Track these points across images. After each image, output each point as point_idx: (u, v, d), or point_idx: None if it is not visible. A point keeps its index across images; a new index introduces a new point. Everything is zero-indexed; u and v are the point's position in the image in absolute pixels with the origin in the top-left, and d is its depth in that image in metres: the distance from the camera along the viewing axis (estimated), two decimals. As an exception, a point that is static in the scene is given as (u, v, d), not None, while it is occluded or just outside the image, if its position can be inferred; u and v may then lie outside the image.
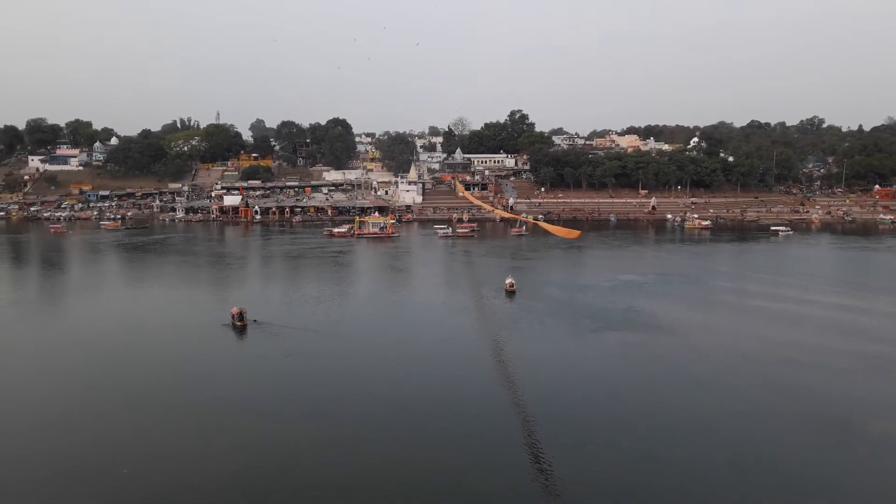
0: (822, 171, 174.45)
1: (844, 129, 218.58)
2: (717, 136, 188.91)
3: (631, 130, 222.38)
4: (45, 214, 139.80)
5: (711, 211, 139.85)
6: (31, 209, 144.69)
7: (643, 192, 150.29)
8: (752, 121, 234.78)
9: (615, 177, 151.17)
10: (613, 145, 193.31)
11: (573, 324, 49.74)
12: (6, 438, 29.15)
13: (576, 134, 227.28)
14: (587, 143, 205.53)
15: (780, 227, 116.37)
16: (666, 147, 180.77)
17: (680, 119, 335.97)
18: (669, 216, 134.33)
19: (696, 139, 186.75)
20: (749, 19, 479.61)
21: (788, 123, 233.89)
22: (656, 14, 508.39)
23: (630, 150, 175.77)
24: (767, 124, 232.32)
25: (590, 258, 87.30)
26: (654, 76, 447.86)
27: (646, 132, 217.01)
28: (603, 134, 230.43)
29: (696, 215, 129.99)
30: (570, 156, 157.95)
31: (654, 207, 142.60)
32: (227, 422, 31.15)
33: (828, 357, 41.84)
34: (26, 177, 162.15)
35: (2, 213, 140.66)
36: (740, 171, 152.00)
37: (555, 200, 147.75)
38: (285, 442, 28.92)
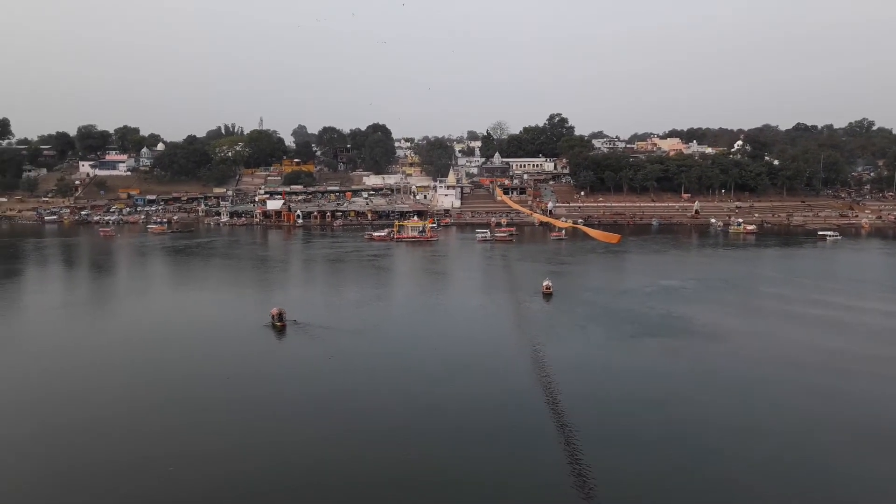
0: (871, 174, 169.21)
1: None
2: (761, 139, 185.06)
3: (673, 133, 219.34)
4: (95, 218, 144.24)
5: (756, 215, 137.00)
6: (82, 213, 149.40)
7: (686, 195, 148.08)
8: (798, 123, 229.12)
9: (657, 180, 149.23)
10: (655, 148, 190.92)
11: (612, 328, 49.25)
12: (58, 435, 30.01)
13: (616, 137, 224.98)
14: (628, 146, 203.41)
15: (828, 232, 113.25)
16: (709, 150, 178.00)
17: (723, 122, 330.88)
18: (713, 221, 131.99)
19: (740, 142, 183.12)
20: (798, 23, 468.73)
21: (836, 126, 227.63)
22: (700, 16, 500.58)
23: (672, 153, 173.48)
24: (814, 127, 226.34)
25: (630, 263, 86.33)
26: (696, 79, 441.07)
27: (688, 135, 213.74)
28: (644, 137, 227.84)
29: (740, 220, 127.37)
30: (610, 159, 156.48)
31: (697, 212, 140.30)
32: (269, 421, 31.62)
33: (877, 365, 40.54)
34: (77, 182, 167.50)
35: (55, 217, 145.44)
36: (786, 175, 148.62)
37: (595, 204, 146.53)
38: (327, 441, 29.23)
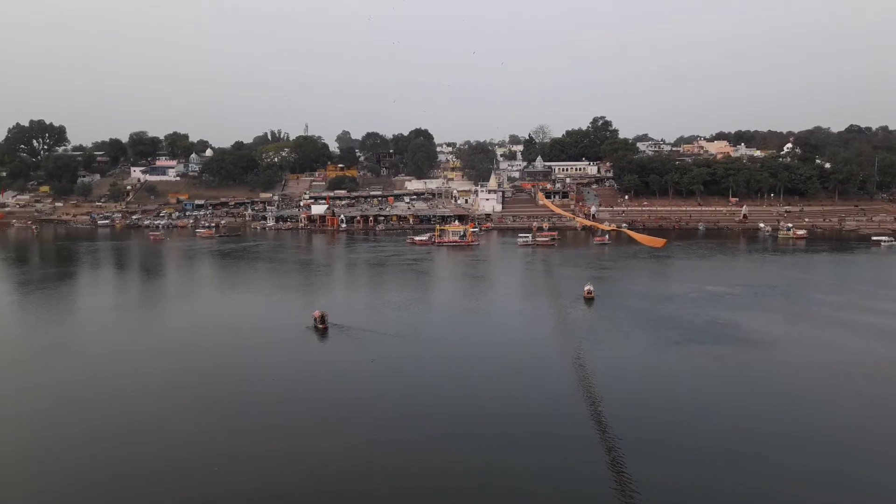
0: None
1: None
2: (812, 141, 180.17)
3: (720, 136, 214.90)
4: (146, 222, 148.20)
5: (806, 220, 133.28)
6: (133, 217, 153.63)
7: (733, 200, 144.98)
8: (851, 125, 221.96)
9: (703, 184, 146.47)
10: (702, 151, 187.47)
11: (655, 334, 48.52)
12: (111, 434, 30.90)
13: (661, 140, 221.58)
14: (674, 149, 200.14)
15: (883, 238, 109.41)
16: (757, 153, 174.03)
17: (772, 124, 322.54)
18: (761, 225, 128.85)
19: (789, 145, 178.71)
20: (849, 25, 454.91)
21: (892, 128, 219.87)
22: (751, 16, 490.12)
23: (719, 156, 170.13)
24: (868, 129, 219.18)
25: (675, 268, 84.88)
26: (744, 80, 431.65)
27: (736, 138, 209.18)
28: (690, 140, 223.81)
29: (790, 224, 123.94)
30: (655, 162, 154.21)
31: (745, 216, 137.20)
32: (313, 424, 32.06)
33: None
34: (129, 187, 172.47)
35: (107, 221, 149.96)
36: (838, 179, 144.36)
37: (639, 208, 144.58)
38: (371, 446, 29.42)
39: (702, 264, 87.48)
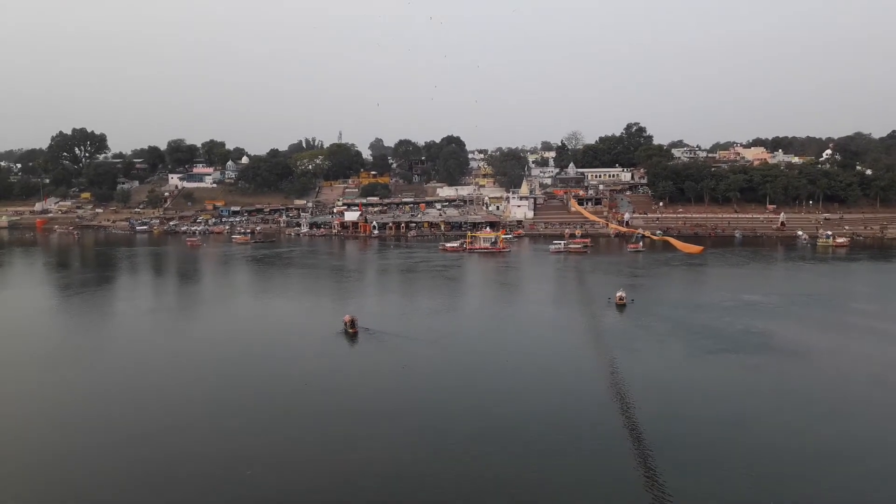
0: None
1: None
2: (853, 147, 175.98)
3: (757, 142, 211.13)
4: (183, 228, 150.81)
5: (847, 227, 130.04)
6: (171, 223, 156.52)
7: (771, 207, 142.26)
8: (894, 131, 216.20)
9: (740, 191, 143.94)
10: (738, 158, 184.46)
11: (690, 343, 47.75)
12: (142, 439, 31.31)
13: (697, 146, 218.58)
14: (709, 155, 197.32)
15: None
16: (796, 160, 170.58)
17: (811, 130, 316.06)
18: (799, 233, 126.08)
19: (829, 151, 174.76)
20: (891, 28, 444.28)
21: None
22: (788, 20, 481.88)
23: (756, 162, 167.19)
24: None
25: (710, 276, 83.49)
26: (781, 86, 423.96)
27: (773, 144, 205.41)
28: (726, 146, 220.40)
29: (829, 232, 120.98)
30: (690, 169, 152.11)
31: (782, 223, 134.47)
32: (346, 429, 32.07)
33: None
34: (166, 193, 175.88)
35: (146, 227, 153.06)
36: (880, 185, 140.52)
37: (674, 215, 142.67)
38: (403, 453, 29.38)
39: (738, 272, 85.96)
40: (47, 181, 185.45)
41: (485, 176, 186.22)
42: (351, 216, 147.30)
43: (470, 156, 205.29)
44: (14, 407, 35.73)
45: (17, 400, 36.91)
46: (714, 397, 36.53)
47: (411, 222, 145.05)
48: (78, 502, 25.67)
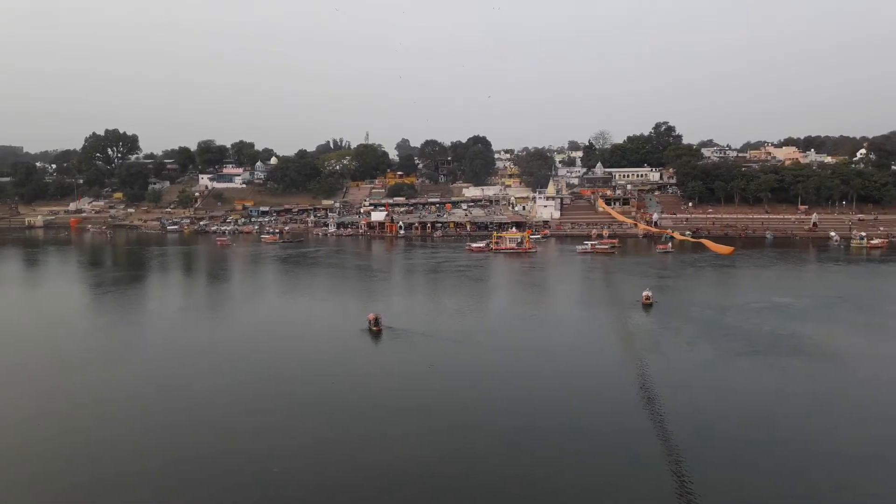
0: None
1: None
2: (888, 146, 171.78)
3: (789, 142, 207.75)
4: (213, 228, 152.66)
5: (881, 228, 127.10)
6: (201, 223, 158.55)
7: (802, 207, 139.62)
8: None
9: (771, 191, 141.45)
10: (769, 157, 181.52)
11: (718, 345, 47.05)
12: (168, 435, 31.80)
13: (727, 146, 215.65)
14: (740, 155, 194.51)
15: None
16: (828, 159, 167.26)
17: (844, 129, 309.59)
18: (832, 234, 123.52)
19: (863, 150, 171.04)
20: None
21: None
22: (821, 14, 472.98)
23: (788, 162, 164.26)
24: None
25: (740, 278, 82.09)
26: (814, 84, 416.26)
27: (805, 143, 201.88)
28: (757, 146, 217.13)
29: (863, 233, 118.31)
30: (721, 168, 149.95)
31: (815, 224, 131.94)
32: (370, 427, 32.27)
33: None
34: (196, 193, 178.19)
35: (176, 227, 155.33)
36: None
37: (703, 216, 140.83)
38: (431, 453, 29.48)
39: (768, 274, 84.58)
40: (81, 181, 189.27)
41: (511, 176, 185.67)
42: (377, 216, 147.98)
43: (496, 156, 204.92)
44: (54, 404, 36.50)
45: (57, 396, 37.69)
46: (743, 400, 35.93)
47: (437, 222, 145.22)
48: (113, 494, 26.14)
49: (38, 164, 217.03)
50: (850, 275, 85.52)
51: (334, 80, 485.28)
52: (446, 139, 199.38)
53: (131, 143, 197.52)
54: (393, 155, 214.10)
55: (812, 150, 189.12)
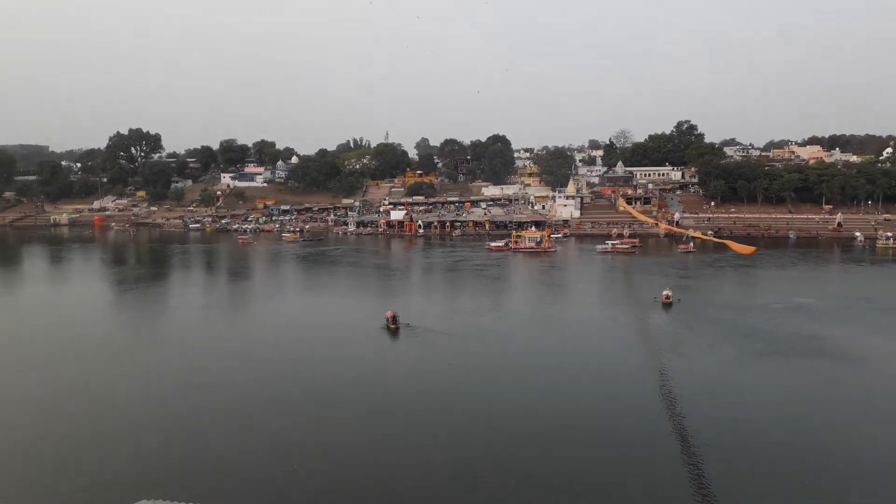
0: None
1: None
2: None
3: (813, 141, 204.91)
4: (234, 226, 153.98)
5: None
6: (223, 222, 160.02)
7: (827, 207, 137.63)
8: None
9: (795, 191, 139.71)
10: (793, 157, 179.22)
11: (740, 346, 46.50)
12: (189, 430, 32.17)
13: (750, 145, 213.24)
14: (763, 154, 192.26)
15: None
16: (854, 158, 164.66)
17: (870, 128, 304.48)
18: (857, 234, 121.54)
19: (889, 149, 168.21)
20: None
21: None
22: (844, 11, 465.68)
23: (812, 161, 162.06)
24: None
25: (763, 278, 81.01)
26: (839, 82, 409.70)
27: (830, 142, 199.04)
28: (781, 145, 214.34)
29: (889, 234, 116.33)
30: (743, 168, 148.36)
31: (839, 224, 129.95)
32: (389, 425, 32.33)
33: None
34: (218, 192, 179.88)
35: (198, 225, 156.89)
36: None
37: (726, 215, 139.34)
38: (445, 449, 29.49)
39: (790, 274, 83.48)
40: (105, 180, 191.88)
41: (530, 175, 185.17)
42: (397, 215, 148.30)
43: (516, 154, 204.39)
44: (88, 399, 37.11)
45: (89, 391, 38.33)
46: (764, 401, 35.48)
47: (456, 221, 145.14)
48: (133, 486, 26.46)
49: (63, 163, 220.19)
50: (875, 276, 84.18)
51: (355, 80, 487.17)
52: (466, 138, 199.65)
53: (154, 142, 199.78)
54: (412, 154, 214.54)
55: (837, 148, 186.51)
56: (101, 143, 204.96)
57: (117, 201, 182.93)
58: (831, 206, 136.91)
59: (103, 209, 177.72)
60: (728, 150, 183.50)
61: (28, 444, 30.47)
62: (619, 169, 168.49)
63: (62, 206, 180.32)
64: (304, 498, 25.63)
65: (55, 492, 26.24)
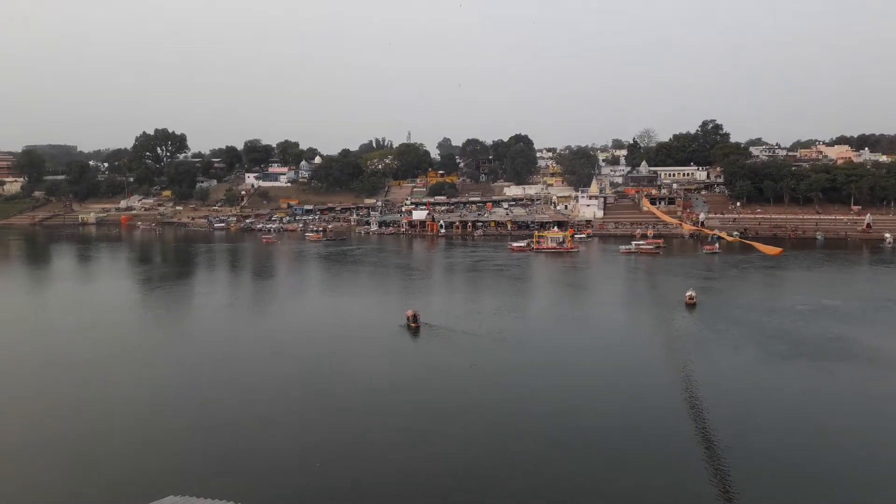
0: None
1: None
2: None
3: (841, 140, 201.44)
4: (258, 226, 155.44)
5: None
6: (247, 221, 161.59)
7: (855, 208, 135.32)
8: None
9: (822, 191, 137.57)
10: (820, 156, 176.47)
11: (765, 347, 45.86)
12: (211, 427, 32.39)
13: (776, 145, 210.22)
14: (790, 153, 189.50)
15: None
16: (884, 158, 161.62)
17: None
18: (887, 236, 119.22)
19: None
20: None
21: None
22: (870, 7, 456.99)
23: (840, 161, 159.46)
24: None
25: (788, 280, 79.92)
26: (869, 80, 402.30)
27: (859, 142, 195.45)
28: (808, 144, 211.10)
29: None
30: (770, 167, 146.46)
31: (868, 225, 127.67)
32: (410, 424, 32.36)
33: None
34: (243, 192, 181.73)
35: (223, 225, 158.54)
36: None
37: (752, 216, 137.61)
38: (466, 450, 29.46)
39: (817, 276, 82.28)
40: (132, 179, 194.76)
41: (553, 175, 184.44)
42: (419, 215, 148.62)
43: (538, 154, 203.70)
44: (116, 395, 37.77)
45: (117, 387, 38.96)
46: (789, 404, 35.05)
47: (478, 221, 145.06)
48: (157, 481, 26.85)
49: (91, 162, 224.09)
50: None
51: (377, 80, 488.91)
52: (488, 138, 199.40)
53: (180, 142, 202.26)
54: (434, 154, 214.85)
55: (866, 148, 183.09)
56: (128, 143, 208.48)
57: (143, 201, 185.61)
58: (860, 207, 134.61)
59: (130, 208, 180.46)
60: (754, 150, 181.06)
61: (58, 438, 30.98)
62: (643, 169, 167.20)
63: (90, 206, 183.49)
64: (326, 496, 25.77)
65: (84, 486, 26.69)
